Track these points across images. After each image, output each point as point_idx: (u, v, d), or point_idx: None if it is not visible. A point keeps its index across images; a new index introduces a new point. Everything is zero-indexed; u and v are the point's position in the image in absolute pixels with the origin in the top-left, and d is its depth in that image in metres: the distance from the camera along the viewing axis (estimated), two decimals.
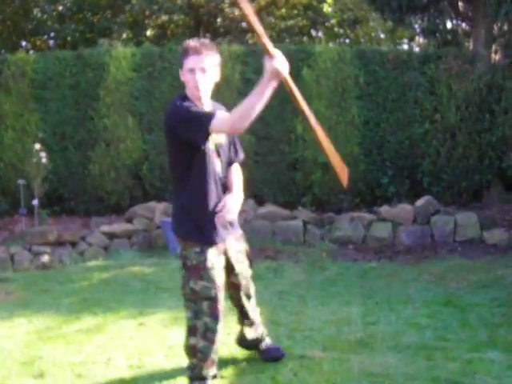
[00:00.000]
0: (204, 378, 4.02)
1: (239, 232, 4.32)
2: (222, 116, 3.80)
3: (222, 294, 4.01)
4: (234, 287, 4.36)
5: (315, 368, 4.43)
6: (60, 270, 8.33)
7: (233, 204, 4.00)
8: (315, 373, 4.34)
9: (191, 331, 3.98)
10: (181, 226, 4.09)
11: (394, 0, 10.58)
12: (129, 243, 9.38)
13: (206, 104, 4.02)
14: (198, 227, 3.99)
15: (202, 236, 3.99)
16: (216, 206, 4.01)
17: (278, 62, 3.57)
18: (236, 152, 4.27)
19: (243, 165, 4.40)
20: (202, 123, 3.76)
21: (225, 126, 3.77)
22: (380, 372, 4.29)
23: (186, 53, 3.93)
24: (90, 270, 8.19)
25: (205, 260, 3.93)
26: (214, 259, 3.98)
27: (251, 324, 4.56)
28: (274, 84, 3.64)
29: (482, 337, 5.07)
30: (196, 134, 3.80)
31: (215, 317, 3.95)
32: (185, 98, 3.99)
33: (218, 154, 4.08)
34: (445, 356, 4.61)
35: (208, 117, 3.77)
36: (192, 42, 3.94)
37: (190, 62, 3.89)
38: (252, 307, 4.52)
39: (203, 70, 3.89)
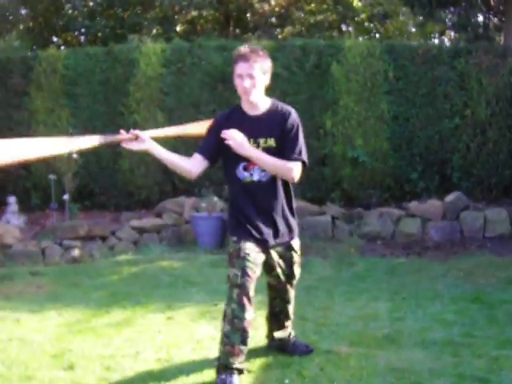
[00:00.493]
0: (230, 369, 4.06)
1: (293, 242, 4.41)
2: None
3: (251, 285, 4.06)
4: (270, 288, 4.57)
5: (341, 363, 4.44)
6: (90, 264, 8.42)
7: (232, 132, 4.07)
8: (341, 368, 4.35)
9: (224, 316, 4.11)
10: (227, 218, 4.47)
11: None
12: (158, 238, 9.44)
13: (260, 106, 4.19)
14: (237, 223, 4.23)
15: (237, 232, 4.20)
16: (252, 208, 4.19)
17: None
18: (290, 153, 4.16)
19: None
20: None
21: None
22: (406, 367, 4.29)
23: (235, 59, 4.14)
24: (119, 264, 8.27)
25: (239, 249, 4.09)
26: (250, 251, 4.10)
27: (279, 327, 4.70)
28: None
29: (509, 334, 5.05)
30: None
31: (241, 305, 4.02)
32: (235, 107, 4.31)
33: None
34: (471, 353, 4.60)
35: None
36: (243, 49, 4.13)
37: (238, 68, 4.11)
38: (286, 312, 4.64)
39: (251, 75, 4.06)
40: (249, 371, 4.27)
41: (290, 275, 4.46)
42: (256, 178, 4.16)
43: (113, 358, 4.69)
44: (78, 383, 4.24)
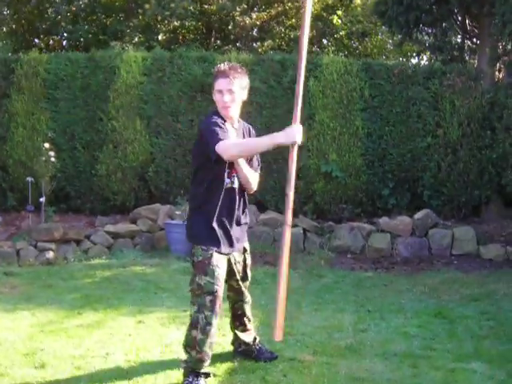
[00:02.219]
0: (198, 374, 4.23)
1: (245, 244, 4.63)
2: (225, 143, 4.09)
3: (221, 292, 4.27)
4: (233, 291, 4.69)
5: (304, 371, 4.60)
6: (64, 266, 8.51)
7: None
8: (304, 375, 4.52)
9: (193, 324, 4.23)
10: (193, 227, 4.43)
11: (402, 15, 10.76)
12: (132, 243, 9.56)
13: (235, 120, 4.42)
14: (207, 231, 4.31)
15: (206, 240, 4.30)
16: (227, 214, 4.34)
17: (299, 133, 4.17)
18: (257, 165, 4.62)
19: None
20: (215, 140, 4.09)
21: (223, 152, 4.06)
22: (365, 377, 4.47)
23: (215, 75, 4.36)
24: (93, 267, 8.37)
25: (210, 257, 4.24)
26: (219, 259, 4.28)
27: (244, 329, 4.84)
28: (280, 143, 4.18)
29: (467, 348, 5.23)
30: (209, 148, 4.12)
31: (214, 311, 4.20)
32: (217, 113, 4.37)
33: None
34: (429, 365, 4.78)
35: (218, 138, 4.09)
36: (222, 66, 4.36)
37: (218, 83, 4.33)
38: (246, 313, 4.80)
39: (230, 91, 4.29)
40: (215, 375, 4.42)
41: (244, 277, 4.66)
42: (236, 184, 4.37)
43: (83, 359, 4.81)
44: (48, 381, 4.36)
